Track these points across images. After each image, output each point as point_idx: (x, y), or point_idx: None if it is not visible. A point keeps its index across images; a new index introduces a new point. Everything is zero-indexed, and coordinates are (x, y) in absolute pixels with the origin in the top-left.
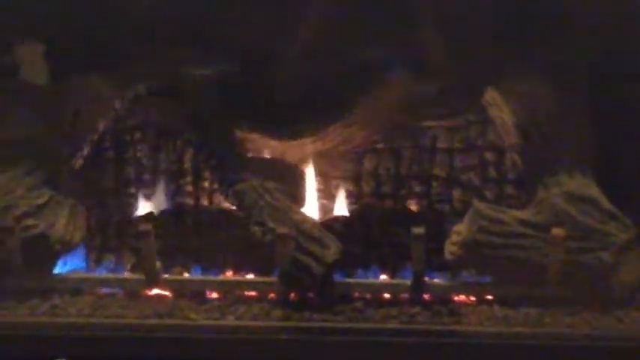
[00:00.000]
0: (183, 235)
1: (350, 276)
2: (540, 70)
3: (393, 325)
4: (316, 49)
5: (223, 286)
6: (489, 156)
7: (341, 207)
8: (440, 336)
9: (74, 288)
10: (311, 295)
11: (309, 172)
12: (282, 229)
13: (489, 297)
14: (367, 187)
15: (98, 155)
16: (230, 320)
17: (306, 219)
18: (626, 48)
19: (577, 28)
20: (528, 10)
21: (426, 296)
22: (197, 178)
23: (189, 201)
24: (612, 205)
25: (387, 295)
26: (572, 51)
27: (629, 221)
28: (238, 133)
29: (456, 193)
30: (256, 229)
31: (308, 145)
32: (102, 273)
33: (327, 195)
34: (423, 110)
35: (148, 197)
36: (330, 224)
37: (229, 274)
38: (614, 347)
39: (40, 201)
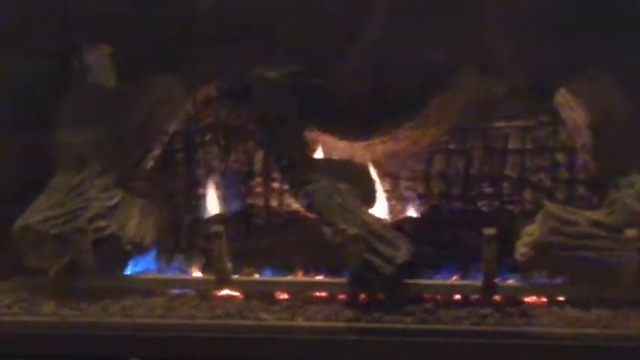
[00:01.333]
0: (254, 236)
1: (420, 277)
2: (613, 71)
3: (463, 326)
4: (386, 49)
5: (293, 287)
6: (561, 157)
7: (411, 208)
8: (511, 337)
9: (145, 289)
10: (381, 296)
11: (379, 173)
12: (352, 230)
13: (561, 298)
14: (437, 188)
15: (169, 156)
16: (300, 321)
17: (376, 220)
18: None
19: None
20: (601, 9)
21: (496, 297)
22: (267, 180)
23: (260, 202)
24: None
25: (457, 297)
26: None
27: None
28: (308, 134)
29: (527, 194)
30: (326, 229)
31: (378, 145)
32: (173, 274)
33: (397, 196)
34: (494, 111)
35: (218, 199)
36: (401, 225)
37: (299, 275)
38: None
39: (112, 202)
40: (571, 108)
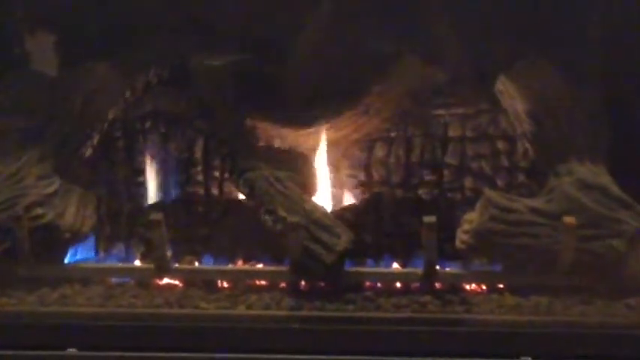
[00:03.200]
0: (194, 225)
1: (361, 265)
2: (553, 59)
3: (404, 314)
4: (328, 37)
5: (234, 276)
6: (501, 144)
7: (352, 196)
8: (451, 324)
9: (84, 277)
10: (322, 284)
11: (321, 161)
12: (293, 218)
13: (500, 285)
14: (378, 176)
15: (108, 144)
16: (241, 310)
17: (317, 208)
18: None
19: (592, 18)
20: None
21: (437, 285)
22: (207, 167)
23: (200, 190)
24: (623, 193)
25: (398, 284)
26: (585, 41)
27: None
28: (249, 122)
29: (468, 182)
30: (267, 218)
31: (319, 133)
32: (112, 262)
33: (338, 184)
34: (435, 99)
35: (158, 186)
36: (341, 213)
37: (240, 263)
38: (626, 335)
39: (50, 190)
40: (511, 96)
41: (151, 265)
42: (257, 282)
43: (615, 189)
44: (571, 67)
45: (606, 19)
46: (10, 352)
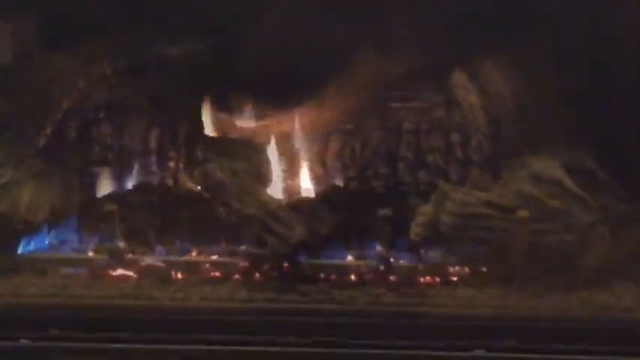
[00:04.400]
0: (148, 215)
1: (316, 257)
2: (511, 54)
3: (358, 306)
4: (286, 30)
5: (188, 267)
6: (455, 137)
7: (307, 188)
8: (406, 317)
9: (37, 268)
10: (276, 275)
11: (276, 153)
12: (247, 210)
13: (454, 278)
14: (334, 168)
15: (62, 134)
16: (195, 301)
17: (271, 200)
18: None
19: (552, 13)
20: None
21: (391, 277)
22: (162, 158)
23: (155, 181)
24: (577, 187)
25: (352, 277)
26: (544, 36)
27: (593, 203)
28: (205, 114)
29: (422, 175)
30: (221, 209)
31: (275, 125)
32: (66, 253)
33: (293, 176)
34: (390, 92)
35: (112, 177)
36: (296, 205)
37: (194, 254)
38: (578, 328)
39: (2, 181)
40: (466, 89)
41: (105, 256)
42: (211, 273)
43: (569, 182)
44: (530, 61)
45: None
46: None
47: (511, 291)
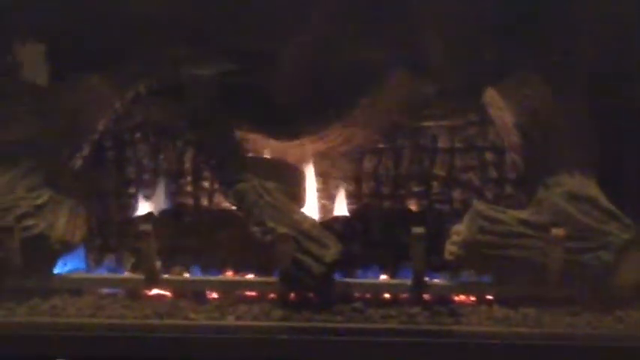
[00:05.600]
0: (183, 235)
1: (350, 276)
2: (540, 71)
3: (392, 325)
4: (318, 49)
5: (223, 286)
6: (489, 156)
7: (341, 207)
8: (439, 336)
9: (74, 288)
10: (311, 295)
11: (309, 172)
12: (281, 229)
13: (489, 297)
14: (367, 187)
15: (98, 155)
16: (230, 320)
17: (305, 219)
18: (627, 48)
19: (577, 30)
20: (529, 11)
21: (425, 296)
22: (197, 178)
23: (189, 201)
24: (612, 205)
25: (386, 295)
26: (572, 52)
27: (629, 221)
28: (238, 133)
29: (456, 193)
30: (256, 229)
31: (308, 145)
32: (102, 273)
33: (327, 195)
34: (423, 110)
35: (148, 197)
36: (330, 224)
37: (229, 274)
38: (615, 347)
39: (40, 201)
40: (499, 108)
41: (141, 276)
42: (246, 293)
43: (604, 200)
44: (560, 79)
45: (596, 31)
46: None
47: (546, 309)
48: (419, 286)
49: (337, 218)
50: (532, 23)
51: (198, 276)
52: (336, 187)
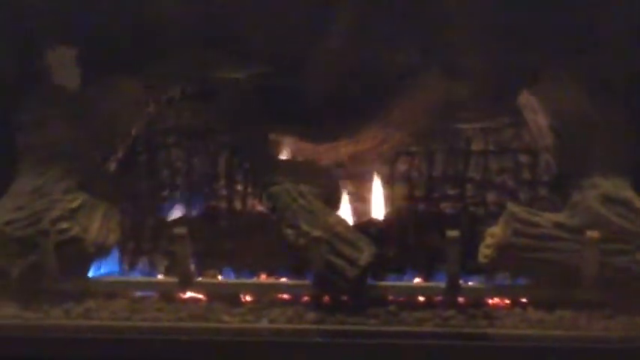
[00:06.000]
0: (217, 238)
1: (384, 279)
2: (576, 73)
3: (427, 328)
4: (351, 51)
5: (257, 289)
6: (524, 158)
7: (375, 210)
8: (474, 339)
9: (108, 291)
10: (345, 298)
11: (343, 175)
12: (315, 232)
13: (524, 300)
14: (401, 190)
15: (132, 158)
16: (264, 323)
17: (339, 222)
18: None
19: (614, 28)
20: (564, 13)
21: (460, 299)
22: (231, 181)
23: (223, 204)
24: None
25: (421, 298)
26: (608, 54)
27: None
28: (272, 136)
29: (490, 196)
30: (290, 232)
31: (342, 147)
32: (136, 276)
33: (361, 198)
34: (457, 112)
35: (182, 201)
36: (364, 227)
37: (263, 277)
38: None
39: (75, 204)
40: (533, 110)
41: (175, 279)
42: (280, 296)
43: (639, 203)
44: (595, 81)
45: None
46: None
47: (581, 312)
48: (453, 288)
49: (371, 221)
50: (566, 22)
51: (232, 279)
52: (370, 190)
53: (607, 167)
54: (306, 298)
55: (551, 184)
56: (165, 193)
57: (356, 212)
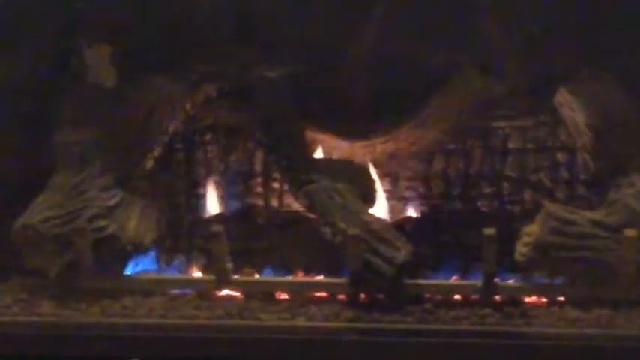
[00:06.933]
0: (254, 236)
1: (420, 277)
2: (613, 71)
3: (463, 326)
4: (386, 49)
5: (293, 287)
6: (561, 157)
7: (411, 208)
8: (511, 337)
9: (145, 289)
10: (381, 296)
11: (379, 173)
12: (352, 230)
13: (561, 298)
14: (437, 188)
15: (169, 157)
16: (300, 321)
17: (376, 220)
18: None
19: None
20: (602, 10)
21: (496, 297)
22: (267, 180)
23: (260, 202)
24: None
25: (457, 297)
26: None
27: None
28: (308, 134)
29: (527, 194)
30: (327, 230)
31: (378, 146)
32: (173, 274)
33: (397, 196)
34: (494, 111)
35: (218, 198)
36: (401, 225)
37: (299, 275)
38: None
39: (112, 202)
40: (571, 108)
41: (212, 277)
42: (316, 294)
43: None
44: (631, 79)
45: None
46: None
47: (619, 311)
48: (490, 287)
49: (408, 219)
50: (605, 22)
51: (269, 277)
52: (407, 188)
53: None
54: (342, 296)
55: (588, 182)
56: (202, 190)
57: (392, 210)
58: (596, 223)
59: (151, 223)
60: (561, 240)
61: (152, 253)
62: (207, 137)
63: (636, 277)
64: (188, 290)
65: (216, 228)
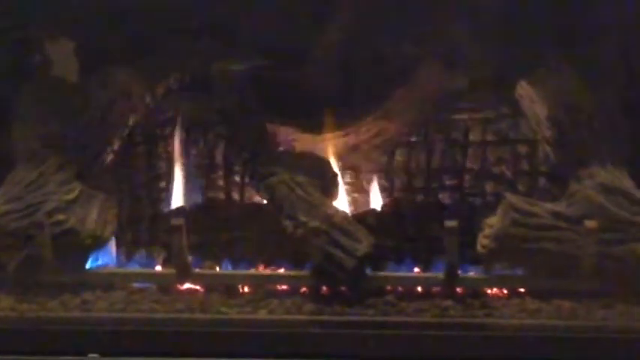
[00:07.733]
0: (214, 230)
1: (382, 269)
2: (573, 62)
3: (425, 318)
4: (349, 42)
5: (255, 281)
6: (522, 149)
7: (373, 201)
8: (472, 329)
9: (105, 283)
10: (343, 288)
11: (341, 166)
12: (313, 223)
13: (522, 290)
14: (399, 181)
15: (129, 150)
16: (262, 314)
17: (337, 213)
18: None
19: (611, 20)
20: (563, 4)
21: (458, 289)
22: (228, 172)
23: (221, 195)
24: None
25: (419, 289)
26: (606, 46)
27: None
28: (270, 127)
29: (489, 186)
30: (288, 223)
31: (340, 138)
32: (133, 268)
33: (358, 189)
34: (455, 103)
35: (179, 192)
36: (362, 218)
37: (261, 268)
38: None
39: (71, 196)
40: (531, 100)
41: (172, 271)
42: (278, 287)
43: (637, 193)
44: (592, 71)
45: (628, 22)
46: (32, 358)
47: (579, 302)
48: (451, 279)
49: (369, 212)
50: (567, 12)
51: (230, 270)
52: (368, 181)
53: (604, 157)
54: (304, 289)
55: (549, 174)
56: (163, 184)
57: (354, 203)
58: (556, 215)
59: (111, 217)
60: (522, 231)
61: (112, 247)
62: (168, 130)
63: (596, 268)
64: (149, 284)
65: (177, 221)
